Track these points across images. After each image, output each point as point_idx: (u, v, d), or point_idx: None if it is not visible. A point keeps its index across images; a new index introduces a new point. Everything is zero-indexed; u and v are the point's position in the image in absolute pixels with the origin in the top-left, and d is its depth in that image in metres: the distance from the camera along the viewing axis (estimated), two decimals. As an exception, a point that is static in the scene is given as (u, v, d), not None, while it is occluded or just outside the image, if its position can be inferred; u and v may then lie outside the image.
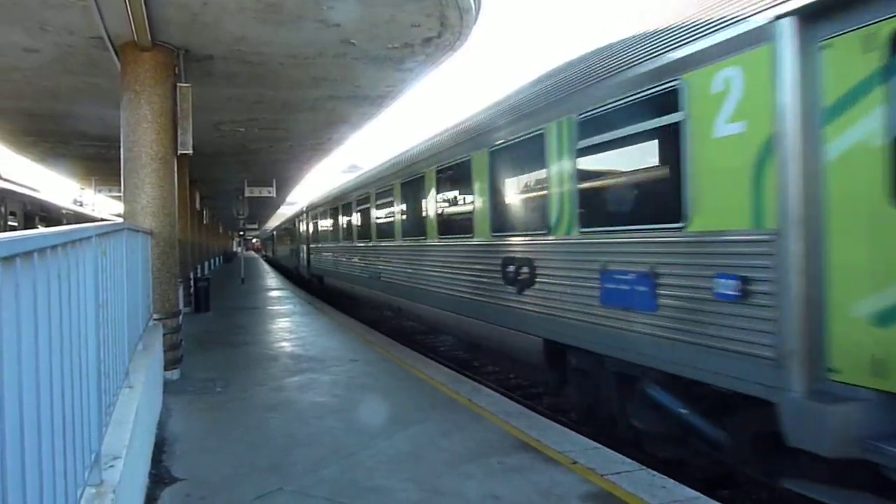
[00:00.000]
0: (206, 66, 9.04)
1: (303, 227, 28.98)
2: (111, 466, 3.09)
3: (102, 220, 24.19)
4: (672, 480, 4.81)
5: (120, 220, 8.06)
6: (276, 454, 5.46)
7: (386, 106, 11.51)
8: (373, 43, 8.08)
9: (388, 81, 9.86)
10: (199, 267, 25.17)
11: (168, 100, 8.24)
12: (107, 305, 3.55)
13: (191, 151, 8.51)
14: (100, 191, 23.09)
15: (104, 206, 33.75)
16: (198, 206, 25.28)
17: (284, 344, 11.55)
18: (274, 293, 24.18)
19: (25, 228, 14.86)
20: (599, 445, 5.60)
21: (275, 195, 23.30)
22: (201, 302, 16.81)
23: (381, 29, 7.57)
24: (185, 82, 8.44)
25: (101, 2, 6.75)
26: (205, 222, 32.45)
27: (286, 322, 14.95)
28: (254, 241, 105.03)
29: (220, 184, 24.32)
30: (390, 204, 13.23)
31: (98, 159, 17.65)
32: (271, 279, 33.94)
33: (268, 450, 5.58)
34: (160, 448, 5.61)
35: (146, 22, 7.16)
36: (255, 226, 56.38)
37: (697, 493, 4.55)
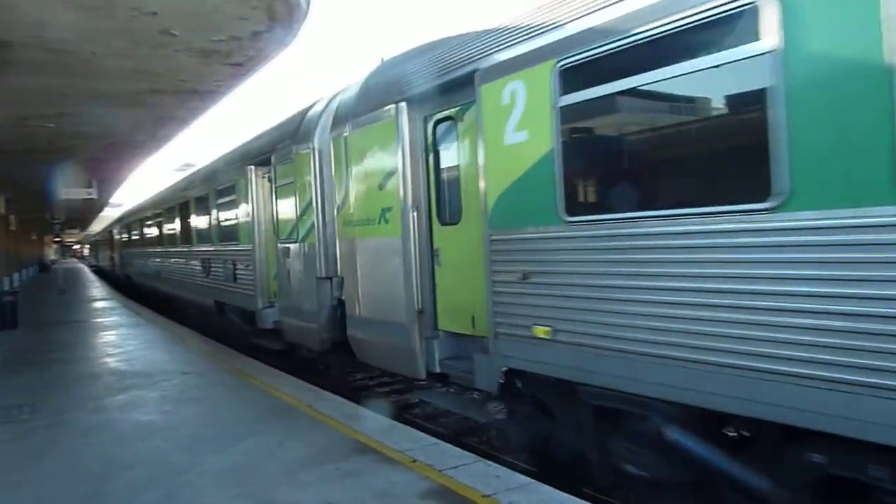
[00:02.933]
0: (3, 54, 8.01)
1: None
2: None
3: None
4: (506, 469, 5.00)
5: None
6: (92, 482, 4.99)
7: (216, 101, 10.89)
8: (196, 34, 7.59)
9: (217, 76, 9.33)
10: (4, 279, 22.39)
11: (-47, 89, 7.20)
12: None
13: (-16, 148, 7.51)
14: None
15: None
16: (2, 210, 22.50)
17: (108, 360, 10.60)
18: (99, 304, 22.14)
19: None
20: (438, 441, 5.70)
21: (96, 197, 21.29)
22: (7, 318, 14.98)
23: (204, 20, 7.13)
24: (-25, 70, 7.43)
25: None
26: (12, 228, 28.95)
27: (111, 335, 13.75)
28: (75, 247, 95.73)
29: (29, 185, 21.75)
30: None
31: None
32: (96, 289, 31.04)
33: (83, 478, 5.09)
34: (-54, 489, 4.89)
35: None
36: (76, 230, 51.43)
37: (529, 479, 4.76)
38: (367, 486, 4.61)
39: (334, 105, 8.35)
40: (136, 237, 25.59)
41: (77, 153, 15.75)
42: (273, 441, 5.79)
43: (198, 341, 12.41)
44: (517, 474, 4.87)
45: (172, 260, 17.94)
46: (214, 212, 13.11)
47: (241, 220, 11.15)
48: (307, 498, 4.47)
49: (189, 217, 15.44)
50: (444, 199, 6.38)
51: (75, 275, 47.26)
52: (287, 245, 9.23)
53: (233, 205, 11.70)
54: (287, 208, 9.20)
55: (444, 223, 6.33)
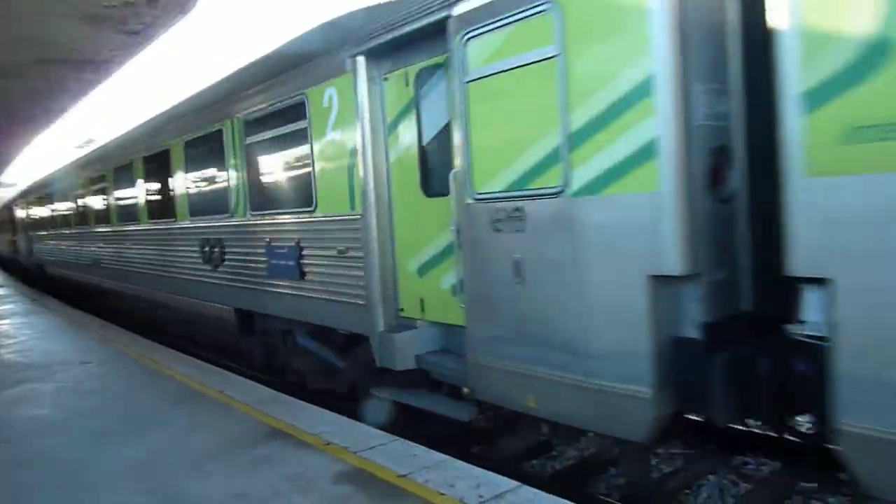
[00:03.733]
0: None
1: None
2: None
3: None
4: (423, 447, 4.94)
5: None
6: (-25, 486, 4.58)
7: (113, 72, 10.24)
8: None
9: (112, 45, 8.75)
10: None
11: None
12: None
13: None
14: None
15: None
16: None
17: (-1, 351, 9.85)
18: (-11, 292, 20.61)
19: None
20: (354, 422, 5.57)
21: (-17, 176, 19.72)
22: None
23: (93, -18, 6.63)
24: None
25: None
26: None
27: (3, 325, 12.81)
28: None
29: None
30: None
31: None
32: (-12, 276, 28.87)
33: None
34: None
35: None
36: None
37: (445, 456, 4.73)
38: (280, 473, 4.46)
39: None
40: (59, 212, 17.64)
41: (-44, 128, 14.49)
42: (180, 431, 5.53)
43: (97, 327, 11.73)
44: (434, 452, 4.82)
45: (130, 243, 11.97)
46: (238, 160, 7.62)
47: (325, 166, 6.18)
48: (216, 489, 4.28)
49: (173, 174, 9.51)
50: None
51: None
52: (516, 203, 4.34)
53: (295, 140, 6.55)
54: (513, 126, 4.39)
55: None
